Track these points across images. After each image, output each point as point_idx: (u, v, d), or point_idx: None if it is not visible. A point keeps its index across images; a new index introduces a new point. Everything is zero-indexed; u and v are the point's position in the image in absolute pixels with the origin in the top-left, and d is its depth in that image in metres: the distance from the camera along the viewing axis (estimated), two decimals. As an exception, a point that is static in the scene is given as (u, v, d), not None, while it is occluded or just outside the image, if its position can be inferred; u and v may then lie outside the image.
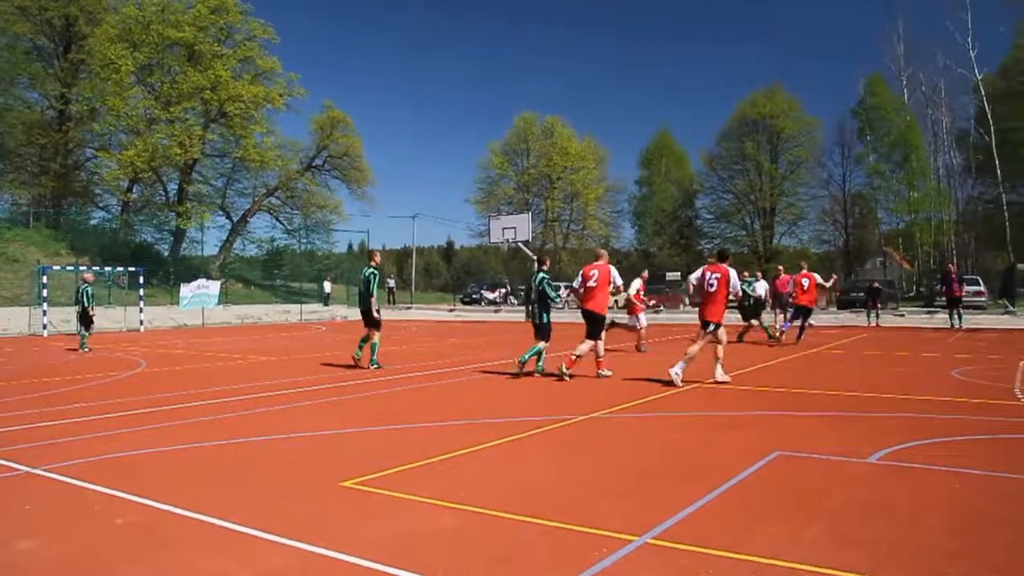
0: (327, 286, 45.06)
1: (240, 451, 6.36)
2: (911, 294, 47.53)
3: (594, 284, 10.83)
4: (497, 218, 35.94)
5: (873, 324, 24.57)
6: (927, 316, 27.46)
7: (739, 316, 17.52)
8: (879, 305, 26.21)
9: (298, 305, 36.96)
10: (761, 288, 17.75)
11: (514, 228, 32.50)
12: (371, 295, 12.38)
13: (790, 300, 18.26)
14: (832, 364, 12.71)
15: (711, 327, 10.09)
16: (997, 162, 51.03)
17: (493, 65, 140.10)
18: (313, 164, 52.90)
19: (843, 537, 3.94)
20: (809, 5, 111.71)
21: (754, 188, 59.60)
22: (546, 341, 11.33)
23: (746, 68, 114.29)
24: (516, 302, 50.54)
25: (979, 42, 53.68)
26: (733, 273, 10.24)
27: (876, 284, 27.17)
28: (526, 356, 11.28)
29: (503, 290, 52.24)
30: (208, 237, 77.43)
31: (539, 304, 11.48)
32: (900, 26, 56.70)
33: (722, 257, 10.65)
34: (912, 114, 55.94)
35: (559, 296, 11.89)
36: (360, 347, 12.73)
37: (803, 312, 17.24)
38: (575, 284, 11.13)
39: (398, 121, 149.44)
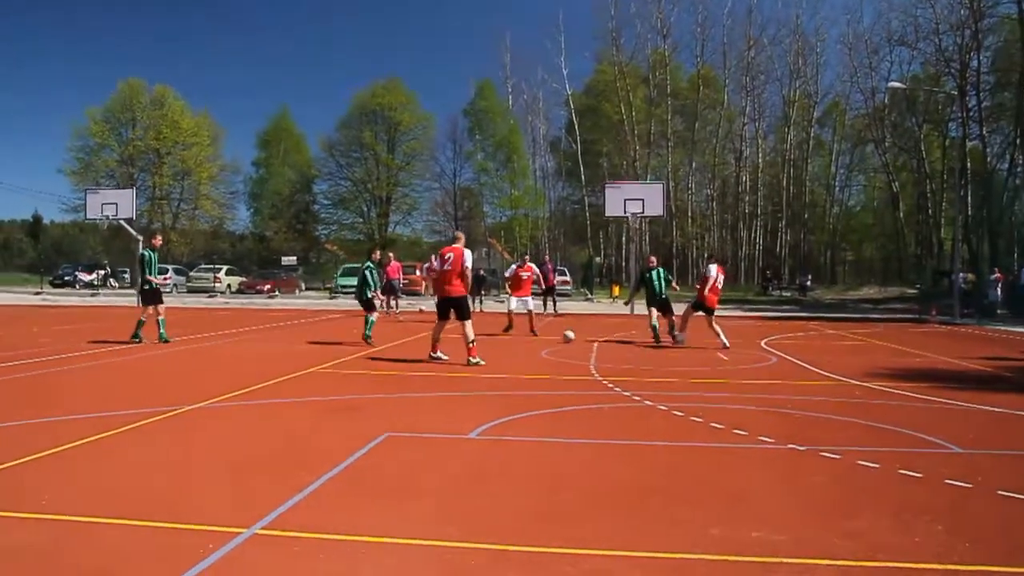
0: None
1: None
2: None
3: (449, 268, 10.70)
4: (96, 192, 32.58)
5: (477, 309, 26.48)
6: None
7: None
8: (483, 292, 28.34)
9: None
10: None
11: (115, 204, 29.77)
12: (149, 275, 13.44)
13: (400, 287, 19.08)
14: (443, 347, 13.43)
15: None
16: (582, 168, 58.42)
17: (94, 21, 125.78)
18: None
19: (446, 510, 4.21)
20: (431, 4, 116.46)
21: (371, 177, 60.98)
22: (374, 311, 13.96)
23: (367, 56, 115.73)
24: (117, 285, 46.30)
25: (570, 62, 60.79)
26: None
27: (482, 272, 29.30)
28: (368, 331, 13.49)
29: (102, 272, 47.47)
30: None
31: (363, 286, 13.92)
32: (508, 38, 61.98)
33: None
34: (515, 119, 61.54)
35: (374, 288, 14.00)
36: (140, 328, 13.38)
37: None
38: (434, 264, 10.88)
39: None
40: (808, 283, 46.89)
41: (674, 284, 14.97)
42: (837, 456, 5.48)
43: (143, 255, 13.53)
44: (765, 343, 14.61)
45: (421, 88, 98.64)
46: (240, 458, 5.42)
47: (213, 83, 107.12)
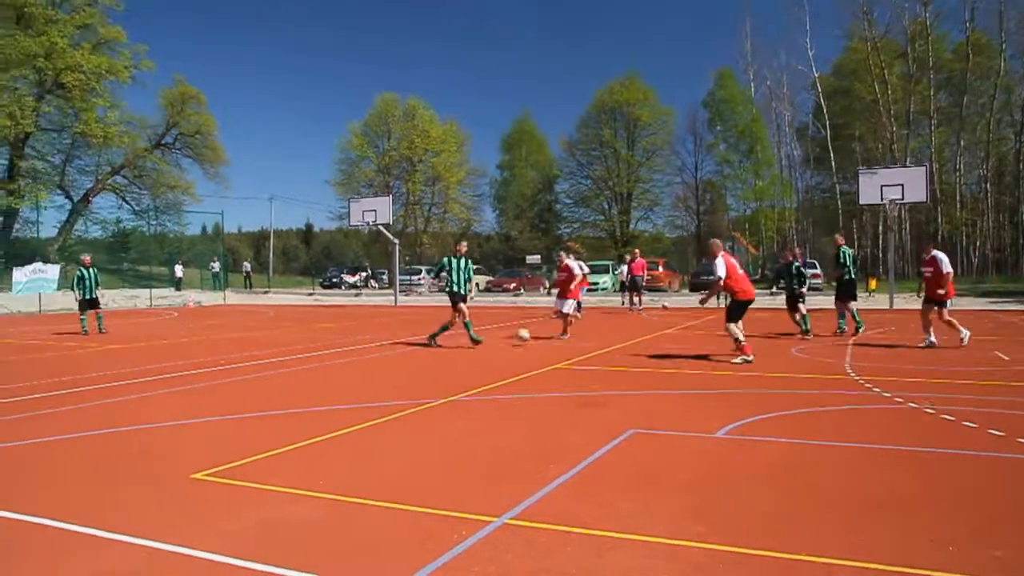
0: (179, 270, 43.08)
1: (85, 445, 5.98)
2: (756, 277, 50.20)
3: (742, 272, 11.07)
4: (357, 200, 35.33)
5: (721, 306, 25.76)
6: (770, 298, 29.01)
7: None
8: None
9: (147, 290, 35.06)
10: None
11: (375, 211, 32.10)
12: (461, 280, 13.45)
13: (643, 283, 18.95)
14: (687, 344, 13.20)
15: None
16: (831, 154, 54.94)
17: (354, 44, 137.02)
18: (163, 142, 50.47)
19: (692, 509, 4.12)
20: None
21: (611, 174, 61.08)
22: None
23: (604, 56, 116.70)
24: (377, 285, 49.95)
25: (816, 42, 57.46)
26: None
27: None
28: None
29: (364, 273, 51.56)
30: (45, 218, 71.77)
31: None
32: (748, 24, 59.69)
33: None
34: (758, 107, 59.12)
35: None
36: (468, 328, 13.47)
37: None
38: (720, 274, 10.78)
39: (254, 98, 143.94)
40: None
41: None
42: None
43: (444, 261, 13.61)
44: (1055, 340, 12.95)
45: (659, 82, 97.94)
46: (490, 449, 5.65)
47: (459, 91, 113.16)
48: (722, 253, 10.94)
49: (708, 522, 3.90)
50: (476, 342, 13.16)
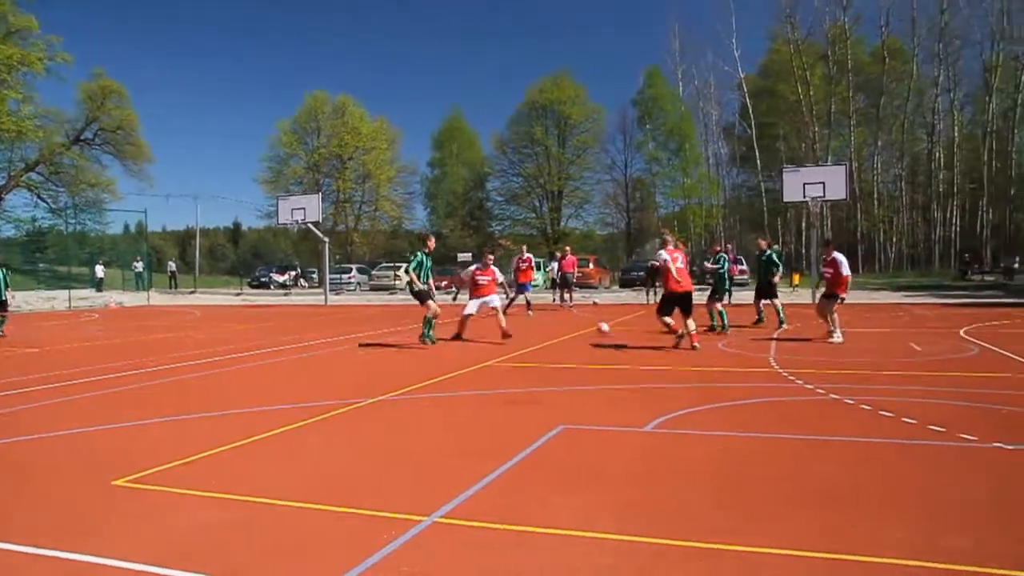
0: (100, 270, 41.66)
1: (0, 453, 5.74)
2: (685, 273, 51.10)
3: (682, 266, 11.58)
4: (286, 198, 34.76)
5: (652, 302, 26.06)
6: (698, 293, 29.57)
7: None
8: (656, 284, 27.90)
9: (66, 291, 33.77)
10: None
11: (304, 209, 31.64)
12: (410, 276, 12.85)
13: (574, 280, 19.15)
14: (616, 340, 13.32)
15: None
16: (757, 153, 56.33)
17: (281, 39, 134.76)
18: (82, 137, 48.85)
19: (623, 503, 4.15)
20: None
21: (543, 172, 61.39)
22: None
23: (534, 54, 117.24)
24: (307, 285, 49.20)
25: (742, 44, 58.90)
26: None
27: (654, 264, 28.80)
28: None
29: (293, 272, 50.74)
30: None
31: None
32: (676, 24, 60.78)
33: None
34: (686, 106, 60.24)
35: None
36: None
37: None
38: (663, 256, 11.50)
39: (178, 94, 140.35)
40: (1015, 266, 42.81)
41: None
42: (1054, 455, 4.96)
43: (421, 256, 12.89)
44: (965, 332, 13.48)
45: (589, 80, 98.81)
46: (419, 448, 5.60)
47: (389, 88, 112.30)
48: (668, 248, 11.62)
49: (642, 516, 3.93)
50: (423, 342, 12.90)
